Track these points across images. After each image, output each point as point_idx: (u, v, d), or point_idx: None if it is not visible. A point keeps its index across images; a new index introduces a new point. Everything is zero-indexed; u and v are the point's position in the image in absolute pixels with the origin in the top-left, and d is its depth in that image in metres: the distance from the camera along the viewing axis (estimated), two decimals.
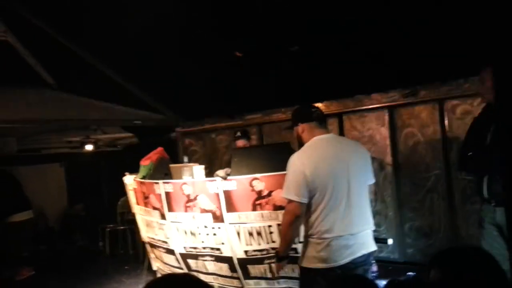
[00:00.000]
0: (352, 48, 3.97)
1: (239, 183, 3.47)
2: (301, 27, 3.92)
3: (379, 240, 2.76)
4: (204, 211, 3.69)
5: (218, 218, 3.61)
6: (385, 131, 4.63)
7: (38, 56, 5.32)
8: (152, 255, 4.75)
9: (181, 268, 4.12)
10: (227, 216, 3.55)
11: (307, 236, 2.63)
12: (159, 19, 4.04)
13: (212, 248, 3.76)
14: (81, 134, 7.60)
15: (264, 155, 3.66)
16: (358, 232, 2.58)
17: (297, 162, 2.58)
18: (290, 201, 2.54)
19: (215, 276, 3.85)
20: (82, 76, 5.64)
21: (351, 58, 4.08)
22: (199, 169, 4.01)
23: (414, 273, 3.25)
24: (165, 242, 4.21)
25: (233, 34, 4.21)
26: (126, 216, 6.65)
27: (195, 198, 3.75)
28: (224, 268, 3.74)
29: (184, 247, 3.99)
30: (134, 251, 6.77)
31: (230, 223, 3.55)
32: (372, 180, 2.77)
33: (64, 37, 4.72)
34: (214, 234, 3.68)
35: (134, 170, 4.70)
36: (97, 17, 4.14)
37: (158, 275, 4.71)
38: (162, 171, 4.31)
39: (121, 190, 5.08)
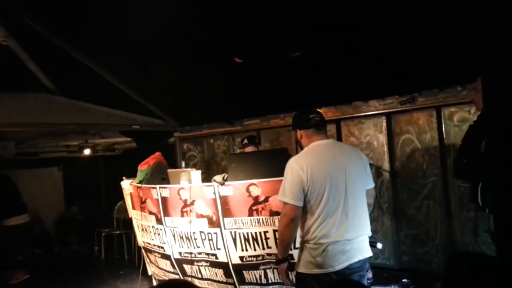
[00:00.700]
0: (350, 55, 3.99)
1: (236, 188, 3.47)
2: (300, 33, 3.94)
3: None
4: (200, 216, 3.69)
5: (214, 224, 3.61)
6: (382, 138, 4.65)
7: (38, 61, 5.35)
8: (147, 260, 4.74)
9: (176, 274, 4.11)
10: (223, 221, 3.54)
11: (303, 241, 2.63)
12: (159, 25, 4.06)
13: (207, 254, 3.75)
14: (80, 139, 7.61)
15: (262, 161, 3.66)
16: (355, 238, 2.58)
17: (295, 166, 2.58)
18: (285, 204, 2.56)
19: (210, 282, 3.84)
20: (81, 81, 5.67)
21: (349, 65, 4.10)
22: (196, 174, 4.01)
23: (408, 280, 3.26)
24: (161, 247, 4.19)
25: (233, 40, 4.23)
26: (123, 221, 6.64)
27: (192, 203, 3.74)
28: (219, 274, 3.73)
29: (180, 252, 3.98)
30: (129, 256, 6.75)
31: (226, 229, 3.55)
32: (371, 185, 2.77)
33: (64, 42, 4.74)
34: (210, 240, 3.67)
35: (132, 174, 4.70)
36: (96, 23, 4.17)
37: (153, 280, 4.69)
38: (159, 176, 4.31)
39: (119, 194, 5.08)
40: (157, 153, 4.67)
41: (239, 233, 3.50)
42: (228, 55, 4.41)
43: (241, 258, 3.54)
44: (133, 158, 5.24)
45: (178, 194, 3.81)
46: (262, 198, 3.37)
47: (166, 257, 4.16)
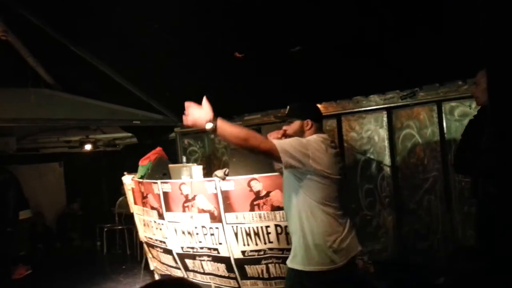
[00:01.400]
0: (350, 49, 3.97)
1: (237, 183, 3.49)
2: (301, 28, 3.93)
3: None
4: (202, 211, 3.70)
5: (216, 218, 3.62)
6: (383, 133, 4.64)
7: (38, 56, 5.33)
8: (149, 255, 4.76)
9: (179, 268, 4.13)
10: (225, 216, 3.56)
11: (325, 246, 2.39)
12: (159, 20, 4.05)
13: (209, 248, 3.77)
14: (81, 134, 7.61)
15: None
16: None
17: (322, 145, 2.38)
18: (279, 151, 2.20)
19: (212, 276, 3.86)
20: (81, 76, 5.66)
21: (349, 59, 4.09)
22: (197, 169, 4.03)
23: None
24: (163, 242, 4.21)
25: (233, 35, 4.21)
26: (124, 216, 6.66)
27: (193, 198, 3.76)
28: (221, 268, 3.75)
29: (182, 247, 4.00)
30: (131, 250, 6.78)
31: (228, 223, 3.56)
32: None
33: (64, 37, 4.73)
34: (212, 234, 3.69)
35: (133, 170, 4.71)
36: (97, 17, 4.15)
37: (155, 275, 4.72)
38: (160, 171, 4.33)
39: (120, 190, 5.09)
40: (158, 148, 4.68)
41: (241, 228, 3.51)
42: (228, 50, 4.40)
43: (243, 252, 3.56)
44: (134, 153, 5.24)
45: (180, 189, 3.83)
46: (263, 193, 3.38)
47: (168, 251, 4.18)
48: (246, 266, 3.59)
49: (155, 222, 4.23)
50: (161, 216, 4.08)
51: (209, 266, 3.84)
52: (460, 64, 3.67)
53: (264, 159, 2.34)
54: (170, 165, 4.37)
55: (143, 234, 4.65)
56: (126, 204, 5.41)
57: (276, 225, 3.38)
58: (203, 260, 3.87)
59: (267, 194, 3.37)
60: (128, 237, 6.86)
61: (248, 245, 3.52)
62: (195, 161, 6.13)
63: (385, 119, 4.63)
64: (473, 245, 3.17)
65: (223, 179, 3.55)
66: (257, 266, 3.54)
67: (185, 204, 3.82)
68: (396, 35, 3.68)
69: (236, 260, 3.62)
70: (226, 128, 2.12)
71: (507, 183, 1.22)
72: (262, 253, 3.49)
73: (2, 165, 6.42)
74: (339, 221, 2.43)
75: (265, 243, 3.45)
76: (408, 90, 4.39)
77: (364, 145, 4.77)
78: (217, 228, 3.63)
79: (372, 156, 4.73)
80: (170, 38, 4.35)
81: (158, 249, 4.38)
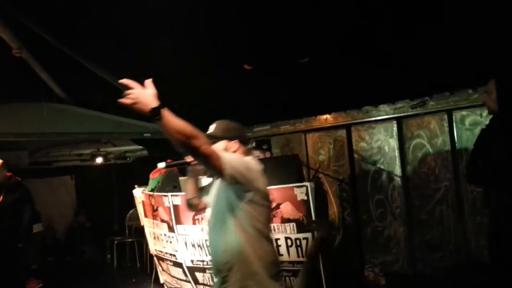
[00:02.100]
0: (359, 59, 3.98)
1: None
2: (309, 39, 3.94)
3: None
4: None
5: None
6: (393, 142, 4.62)
7: (50, 72, 5.42)
8: (159, 268, 4.75)
9: (188, 282, 4.12)
10: None
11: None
12: (169, 31, 4.10)
13: None
14: (92, 147, 7.68)
15: (272, 168, 3.66)
16: None
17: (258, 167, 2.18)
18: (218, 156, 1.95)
19: None
20: (92, 90, 5.73)
21: (358, 69, 4.09)
22: (207, 182, 4.02)
23: None
24: (173, 255, 4.21)
25: (242, 46, 4.25)
26: (135, 229, 6.67)
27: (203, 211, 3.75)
28: None
29: (192, 260, 3.98)
30: (141, 263, 6.77)
31: None
32: None
33: (75, 52, 4.81)
34: None
35: (144, 182, 4.73)
36: (107, 32, 4.22)
37: None
38: (171, 184, 4.34)
39: (131, 202, 5.11)
40: (168, 161, 4.69)
41: None
42: (237, 61, 4.43)
43: None
44: (144, 166, 5.27)
45: None
46: (273, 205, 3.37)
47: (178, 265, 4.17)
48: None
49: (165, 235, 4.23)
50: (171, 229, 4.08)
51: None
52: (470, 72, 3.65)
53: (202, 163, 2.02)
54: (181, 178, 4.38)
55: (153, 247, 4.65)
56: (136, 217, 5.43)
57: (286, 238, 3.36)
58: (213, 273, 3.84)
59: (277, 206, 3.35)
60: (138, 250, 6.86)
61: None
62: (205, 173, 6.13)
63: (395, 128, 4.61)
64: (485, 256, 3.11)
65: None
66: None
67: (195, 217, 3.82)
68: (406, 44, 3.68)
69: None
70: (172, 118, 1.86)
71: None
72: None
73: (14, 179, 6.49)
74: (271, 245, 2.19)
75: None
76: (418, 99, 4.37)
77: (374, 155, 4.75)
78: None
79: (382, 167, 4.69)
80: (180, 50, 4.40)
81: (168, 262, 4.37)
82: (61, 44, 4.66)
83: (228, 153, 2.14)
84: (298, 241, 3.31)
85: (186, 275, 4.13)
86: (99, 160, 7.83)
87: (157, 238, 4.45)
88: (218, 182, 2.27)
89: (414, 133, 4.51)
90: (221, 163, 1.93)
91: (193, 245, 3.89)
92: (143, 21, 3.87)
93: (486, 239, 3.10)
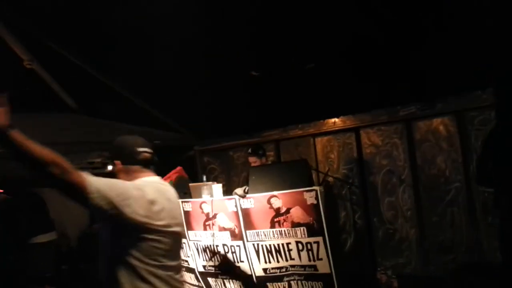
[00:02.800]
0: (367, 62, 3.99)
1: (257, 201, 3.51)
2: (316, 44, 3.97)
3: None
4: (223, 229, 3.73)
5: (236, 236, 3.64)
6: (403, 145, 4.61)
7: (61, 82, 5.51)
8: None
9: (201, 287, 4.15)
10: (246, 234, 3.57)
11: None
12: (178, 40, 4.15)
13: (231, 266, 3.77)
14: (103, 155, 7.75)
15: (282, 173, 3.69)
16: None
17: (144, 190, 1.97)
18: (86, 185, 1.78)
19: None
20: (103, 100, 5.81)
21: (366, 72, 4.10)
22: (217, 187, 4.06)
23: None
24: (185, 261, 4.24)
25: (250, 53, 4.28)
26: None
27: (214, 217, 3.79)
28: (243, 286, 3.75)
29: (204, 266, 4.01)
30: None
31: (249, 241, 3.57)
32: None
33: (86, 63, 4.89)
34: (233, 252, 3.70)
35: None
36: (116, 42, 4.28)
37: None
38: (181, 190, 4.37)
39: None
40: (179, 168, 4.74)
41: (262, 245, 3.52)
42: (245, 68, 4.47)
43: (265, 270, 3.55)
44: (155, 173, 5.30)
45: (200, 208, 3.87)
46: (283, 210, 3.39)
47: (190, 270, 4.20)
48: (268, 284, 3.58)
49: None
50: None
51: (231, 285, 3.85)
52: (478, 73, 3.64)
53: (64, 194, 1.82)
54: (191, 184, 4.42)
55: None
56: None
57: (297, 242, 3.38)
58: (226, 279, 3.87)
59: (287, 211, 3.38)
60: None
61: (270, 262, 3.52)
62: (215, 179, 6.17)
63: (404, 131, 4.60)
64: (498, 257, 3.09)
65: (243, 197, 3.58)
66: (279, 283, 3.53)
67: (206, 223, 3.86)
68: (415, 47, 3.69)
69: (258, 277, 3.61)
70: (25, 140, 1.65)
71: None
72: (284, 270, 3.48)
73: (29, 187, 6.58)
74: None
75: (286, 260, 3.45)
76: (427, 102, 4.37)
77: (384, 159, 4.75)
78: (238, 246, 3.65)
79: (392, 169, 4.69)
80: (189, 58, 4.45)
81: None
82: (72, 56, 4.75)
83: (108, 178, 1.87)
84: (309, 245, 3.33)
85: (198, 281, 4.16)
86: (110, 167, 7.90)
87: None
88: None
89: (424, 135, 4.51)
90: (88, 191, 1.74)
91: (205, 251, 3.93)
92: (148, 32, 3.93)
93: (497, 240, 3.08)
